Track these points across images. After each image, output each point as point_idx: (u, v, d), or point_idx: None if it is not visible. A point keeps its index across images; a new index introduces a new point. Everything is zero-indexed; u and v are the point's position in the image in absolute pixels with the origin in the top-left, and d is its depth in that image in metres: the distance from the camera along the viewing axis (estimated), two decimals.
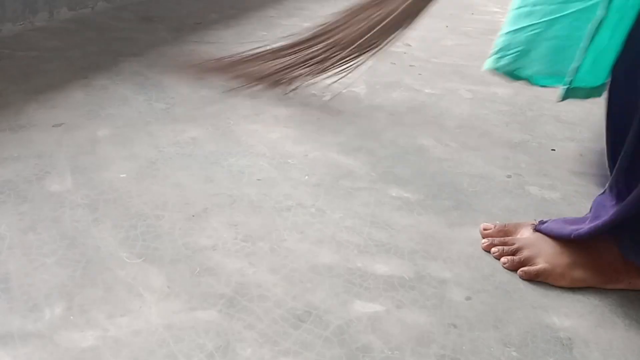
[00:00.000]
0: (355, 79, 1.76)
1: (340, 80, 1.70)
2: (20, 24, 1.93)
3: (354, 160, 1.33)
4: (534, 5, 1.00)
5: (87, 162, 1.25)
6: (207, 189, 1.19)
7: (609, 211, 1.01)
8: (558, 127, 1.53)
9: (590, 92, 1.00)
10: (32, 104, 1.47)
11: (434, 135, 1.46)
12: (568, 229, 1.05)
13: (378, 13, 1.52)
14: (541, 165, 1.35)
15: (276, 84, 1.63)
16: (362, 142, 1.41)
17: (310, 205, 1.16)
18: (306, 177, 1.25)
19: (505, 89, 1.75)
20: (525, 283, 1.00)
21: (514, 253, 1.05)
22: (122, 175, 1.22)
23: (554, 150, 1.42)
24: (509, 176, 1.30)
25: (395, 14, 1.50)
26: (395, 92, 1.69)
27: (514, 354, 0.86)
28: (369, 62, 1.86)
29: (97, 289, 0.93)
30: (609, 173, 1.06)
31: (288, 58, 1.64)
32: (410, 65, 1.88)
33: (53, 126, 1.38)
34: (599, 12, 0.93)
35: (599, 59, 0.96)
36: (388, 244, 1.07)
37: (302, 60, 1.62)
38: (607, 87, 1.02)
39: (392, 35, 1.54)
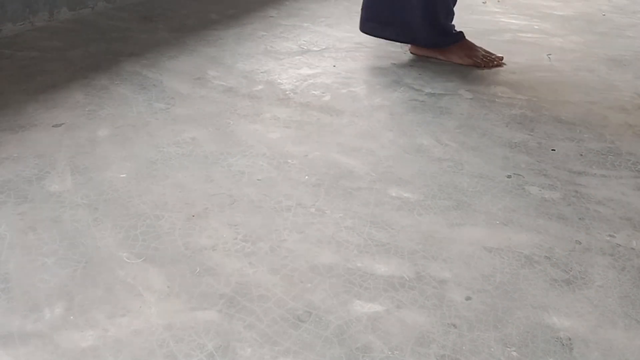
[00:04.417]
0: (355, 79, 1.76)
1: (339, 79, 1.70)
2: (20, 24, 1.93)
3: (354, 160, 1.33)
4: None
5: (87, 162, 1.25)
6: (207, 189, 1.19)
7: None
8: (558, 127, 1.53)
9: None
10: (32, 104, 1.47)
11: (434, 135, 1.46)
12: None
13: None
14: (541, 165, 1.35)
15: None
16: (362, 142, 1.41)
17: (310, 205, 1.16)
18: (306, 177, 1.25)
19: (505, 88, 1.75)
20: (525, 283, 0.99)
21: None
22: (122, 175, 1.22)
23: (554, 150, 1.42)
24: (509, 176, 1.30)
25: None
26: (395, 92, 1.69)
27: (514, 354, 0.86)
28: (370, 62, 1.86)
29: (97, 289, 0.93)
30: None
31: None
32: (411, 66, 1.88)
33: (53, 126, 1.38)
34: None
35: None
36: (388, 244, 1.07)
37: None
38: None
39: None
